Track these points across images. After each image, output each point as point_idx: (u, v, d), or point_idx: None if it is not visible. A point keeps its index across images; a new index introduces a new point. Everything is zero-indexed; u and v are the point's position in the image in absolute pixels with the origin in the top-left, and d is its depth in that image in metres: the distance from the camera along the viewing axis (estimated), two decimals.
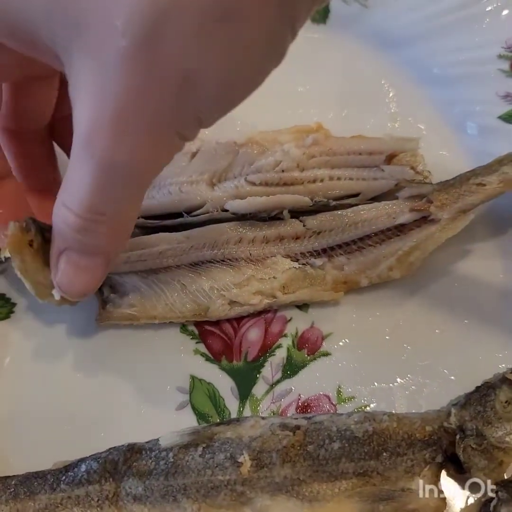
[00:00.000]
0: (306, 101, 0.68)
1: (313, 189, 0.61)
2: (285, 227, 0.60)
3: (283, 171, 0.62)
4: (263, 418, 0.52)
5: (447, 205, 0.57)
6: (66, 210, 0.44)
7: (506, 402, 0.50)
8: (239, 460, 0.49)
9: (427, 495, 0.48)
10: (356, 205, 0.60)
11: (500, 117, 0.62)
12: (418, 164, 0.60)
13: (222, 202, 0.61)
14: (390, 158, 0.61)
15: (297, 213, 0.61)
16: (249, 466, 0.49)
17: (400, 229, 0.58)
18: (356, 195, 0.61)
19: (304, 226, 0.60)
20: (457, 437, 0.50)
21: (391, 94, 0.67)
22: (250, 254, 0.59)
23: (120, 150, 0.39)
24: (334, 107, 0.67)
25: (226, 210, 0.61)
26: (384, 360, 0.56)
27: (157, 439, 0.51)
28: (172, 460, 0.50)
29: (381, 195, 0.61)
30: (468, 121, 0.64)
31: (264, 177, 0.61)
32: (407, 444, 0.49)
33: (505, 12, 0.64)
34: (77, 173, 0.42)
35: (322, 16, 0.71)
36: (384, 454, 0.49)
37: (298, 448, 0.49)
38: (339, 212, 0.60)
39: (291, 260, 0.59)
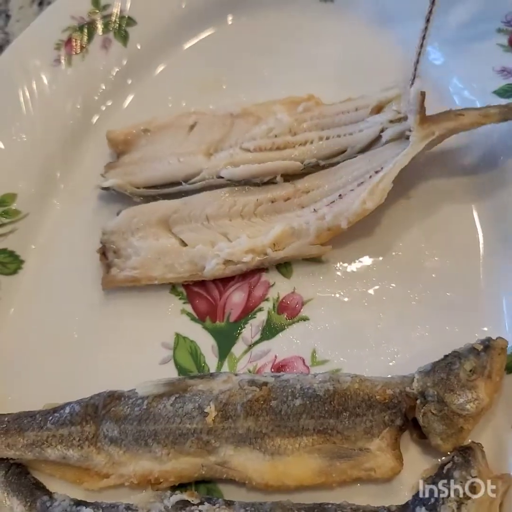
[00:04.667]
0: (308, 77, 0.70)
1: (304, 151, 0.64)
2: (276, 190, 0.63)
3: (275, 136, 0.65)
4: (236, 374, 0.55)
5: (426, 124, 0.57)
6: None
7: (470, 370, 0.50)
8: (206, 410, 0.52)
9: (384, 456, 0.50)
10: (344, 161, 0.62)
11: (495, 92, 0.61)
12: (402, 106, 0.61)
13: (218, 170, 0.64)
14: (378, 110, 0.63)
15: (290, 176, 0.63)
16: (214, 416, 0.52)
17: (378, 170, 0.59)
18: (345, 151, 0.63)
19: (294, 187, 0.63)
20: (418, 402, 0.51)
21: (390, 70, 0.67)
22: (242, 216, 0.62)
23: None
24: (333, 84, 0.68)
25: (222, 177, 0.64)
26: (360, 328, 0.57)
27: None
28: (145, 407, 0.53)
29: (369, 145, 0.62)
30: (463, 95, 0.63)
31: (258, 143, 0.65)
32: (367, 406, 0.51)
33: None
34: None
35: None
36: (344, 413, 0.51)
37: (262, 402, 0.52)
38: (325, 171, 0.62)
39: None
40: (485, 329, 0.55)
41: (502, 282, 0.56)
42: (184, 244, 0.62)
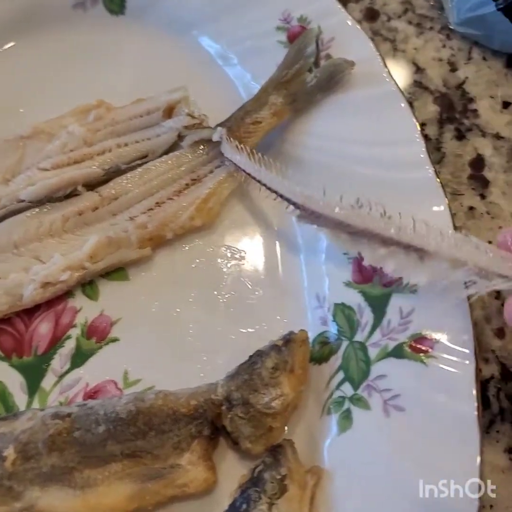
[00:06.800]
0: (104, 88, 0.68)
1: (103, 160, 0.63)
2: (81, 201, 0.60)
3: (71, 150, 0.63)
4: (41, 409, 0.52)
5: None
6: None
7: (272, 368, 0.50)
8: (4, 454, 0.48)
9: (195, 469, 0.49)
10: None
11: None
12: (193, 110, 0.63)
13: (18, 194, 0.61)
14: (169, 112, 0.64)
15: (94, 186, 0.62)
16: (13, 459, 0.48)
17: (195, 178, 0.61)
18: (146, 156, 0.63)
19: (100, 196, 0.61)
20: (224, 408, 0.50)
21: (189, 76, 0.67)
22: (52, 235, 0.59)
23: None
24: (129, 92, 0.66)
25: (23, 200, 0.61)
26: (170, 342, 0.56)
27: None
28: None
29: (168, 150, 0.63)
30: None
31: (54, 160, 0.62)
32: (172, 420, 0.49)
33: None
34: None
35: (119, 6, 0.71)
36: (151, 432, 0.49)
37: (65, 435, 0.49)
38: (130, 174, 0.62)
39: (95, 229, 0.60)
40: (286, 321, 0.55)
41: (300, 276, 0.57)
42: None
